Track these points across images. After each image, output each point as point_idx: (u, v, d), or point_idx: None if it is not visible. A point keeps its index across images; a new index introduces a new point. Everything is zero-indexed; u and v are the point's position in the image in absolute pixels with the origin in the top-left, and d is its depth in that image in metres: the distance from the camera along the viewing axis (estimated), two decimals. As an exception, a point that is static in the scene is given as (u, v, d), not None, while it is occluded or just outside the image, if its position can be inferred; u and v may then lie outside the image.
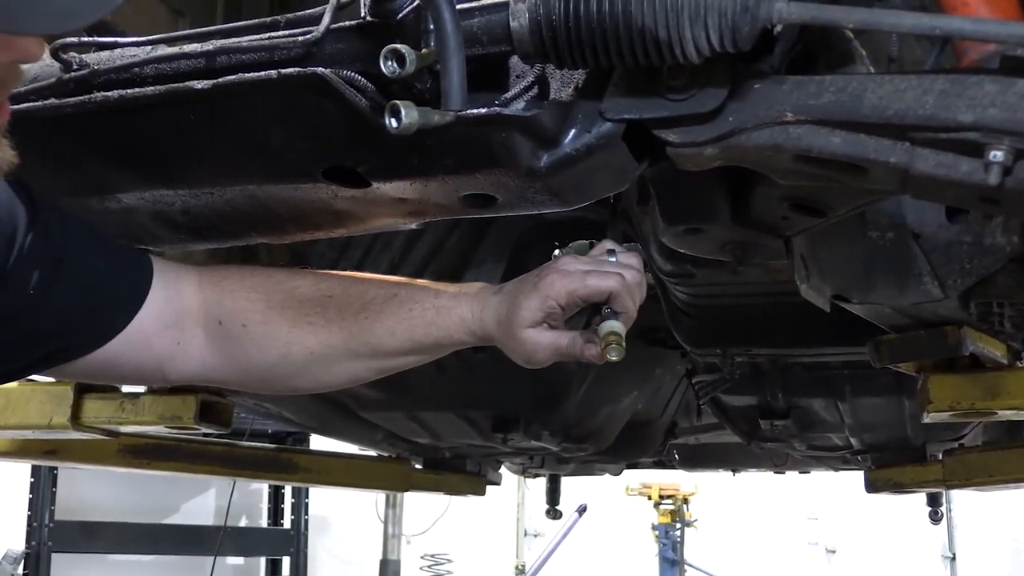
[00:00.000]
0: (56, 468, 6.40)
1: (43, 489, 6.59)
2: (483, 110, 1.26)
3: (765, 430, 3.47)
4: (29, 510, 6.61)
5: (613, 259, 1.54)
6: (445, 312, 1.55)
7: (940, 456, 3.75)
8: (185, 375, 1.63)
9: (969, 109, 1.10)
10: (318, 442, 4.96)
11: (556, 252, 2.47)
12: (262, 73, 1.31)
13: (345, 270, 2.79)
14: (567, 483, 5.68)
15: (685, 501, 9.42)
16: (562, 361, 1.54)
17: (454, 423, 3.64)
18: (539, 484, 6.52)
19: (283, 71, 1.29)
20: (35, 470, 6.56)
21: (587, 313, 1.53)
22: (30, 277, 1.43)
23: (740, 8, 1.12)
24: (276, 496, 8.33)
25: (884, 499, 4.46)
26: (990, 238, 1.80)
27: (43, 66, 1.43)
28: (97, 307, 1.51)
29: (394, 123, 1.17)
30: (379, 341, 1.57)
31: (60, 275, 1.46)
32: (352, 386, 1.75)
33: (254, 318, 1.58)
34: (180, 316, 1.57)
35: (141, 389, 2.87)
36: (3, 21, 0.93)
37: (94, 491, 7.08)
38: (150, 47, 1.42)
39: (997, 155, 1.07)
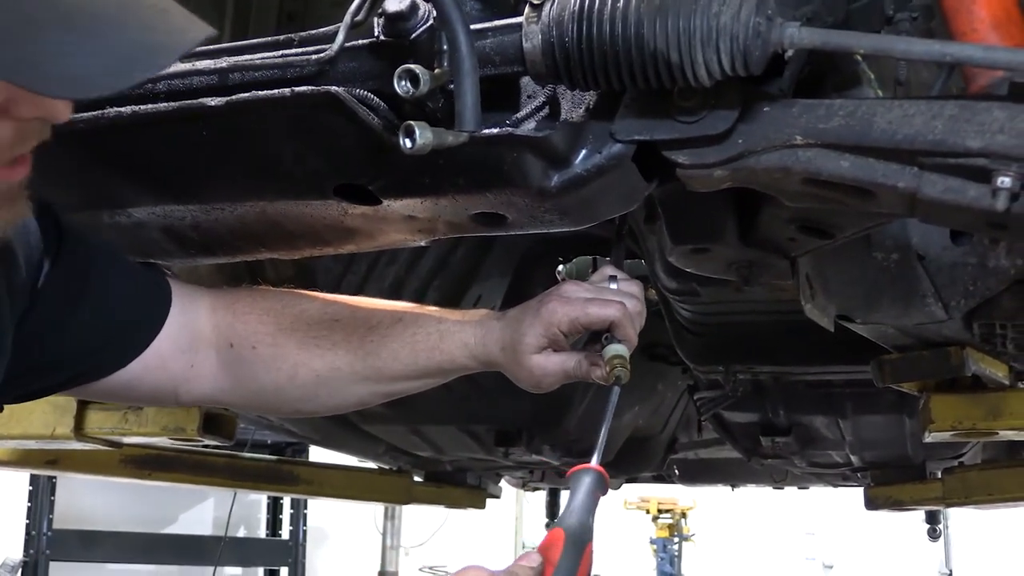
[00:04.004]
0: (55, 476, 6.40)
1: (41, 497, 6.58)
2: (495, 130, 1.26)
3: (766, 446, 3.47)
4: (27, 518, 6.59)
5: (614, 286, 1.55)
6: (448, 337, 1.57)
7: (940, 474, 3.76)
8: (197, 397, 1.65)
9: (978, 135, 1.11)
10: (316, 453, 4.96)
11: (560, 268, 2.48)
12: (275, 91, 1.31)
13: (351, 284, 2.82)
14: (567, 497, 5.67)
15: (683, 515, 9.44)
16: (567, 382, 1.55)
17: (457, 437, 3.64)
18: (537, 497, 6.52)
19: (296, 89, 1.30)
20: (34, 478, 6.54)
21: (591, 337, 1.54)
22: (57, 301, 1.46)
23: (752, 33, 1.13)
24: (275, 507, 8.32)
25: (881, 515, 4.46)
26: (994, 260, 1.81)
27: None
28: (119, 331, 1.53)
29: (409, 144, 1.18)
30: (384, 364, 1.59)
31: (85, 300, 1.48)
32: (358, 409, 1.77)
33: (264, 340, 1.60)
34: (194, 339, 1.59)
35: (144, 400, 2.87)
36: (26, 78, 0.93)
37: (93, 500, 7.08)
38: (163, 63, 1.42)
39: (1005, 181, 1.08)
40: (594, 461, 1.36)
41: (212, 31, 1.04)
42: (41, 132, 1.10)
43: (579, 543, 1.25)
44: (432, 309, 1.63)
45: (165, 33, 0.99)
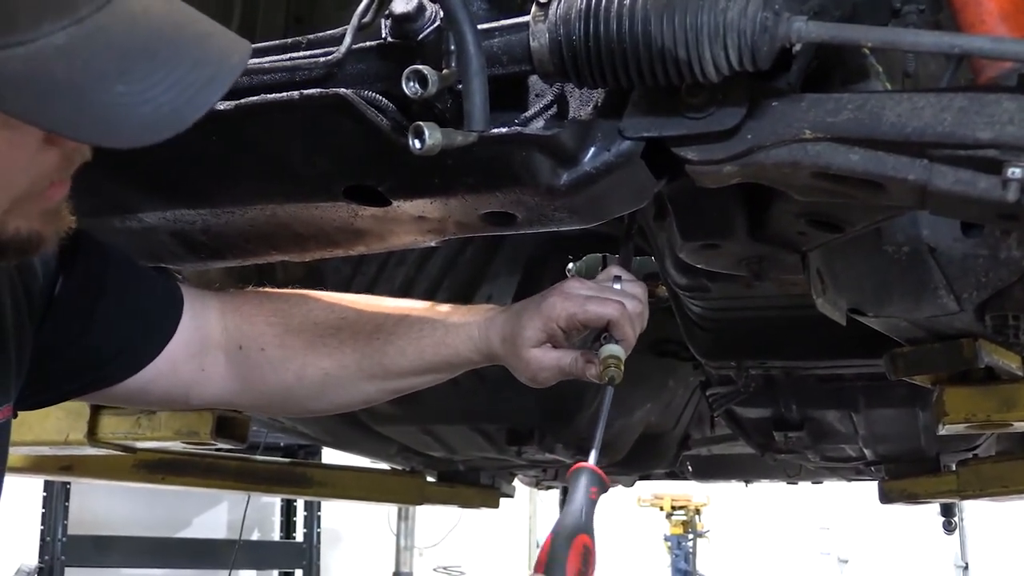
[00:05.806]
0: (69, 482, 6.41)
1: (56, 503, 6.61)
2: (504, 129, 1.26)
3: (779, 442, 3.46)
4: (42, 524, 6.62)
5: (618, 286, 1.56)
6: (454, 331, 1.58)
7: (954, 466, 3.74)
8: (208, 400, 1.67)
9: (988, 127, 1.10)
10: (329, 455, 4.97)
11: (569, 266, 2.48)
12: (284, 94, 1.31)
13: (360, 285, 2.82)
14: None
15: (697, 512, 9.43)
16: (567, 379, 1.56)
17: (469, 436, 3.65)
18: (551, 496, 6.52)
19: (305, 92, 1.30)
20: (48, 484, 6.57)
21: (592, 336, 1.55)
22: (73, 308, 1.48)
23: (759, 28, 1.12)
24: (288, 509, 8.34)
25: (895, 509, 4.45)
26: (1006, 251, 1.80)
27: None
28: (134, 337, 1.55)
29: (418, 144, 1.18)
30: (391, 361, 1.60)
31: (100, 307, 1.50)
32: (366, 407, 1.77)
33: (272, 342, 1.61)
34: (205, 343, 1.61)
35: (157, 404, 2.88)
36: (93, 134, 0.99)
37: (107, 505, 7.09)
38: (171, 68, 1.43)
39: (1016, 172, 1.08)
40: (591, 461, 1.38)
41: (249, 47, 1.06)
42: (83, 154, 1.14)
43: (567, 538, 1.27)
44: (438, 306, 1.65)
45: (215, 64, 1.02)
